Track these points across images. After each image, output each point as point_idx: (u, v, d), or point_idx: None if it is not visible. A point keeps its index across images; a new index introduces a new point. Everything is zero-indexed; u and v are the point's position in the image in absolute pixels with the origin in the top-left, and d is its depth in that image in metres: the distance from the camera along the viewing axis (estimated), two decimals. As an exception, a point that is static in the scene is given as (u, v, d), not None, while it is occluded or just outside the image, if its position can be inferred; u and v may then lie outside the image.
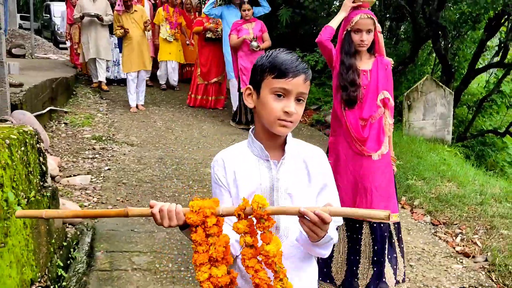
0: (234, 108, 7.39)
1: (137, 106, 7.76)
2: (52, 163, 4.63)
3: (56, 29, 17.30)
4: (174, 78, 9.50)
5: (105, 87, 8.96)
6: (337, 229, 1.51)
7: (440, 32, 7.91)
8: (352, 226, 2.94)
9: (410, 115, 6.89)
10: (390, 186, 2.92)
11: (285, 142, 1.50)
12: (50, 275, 2.76)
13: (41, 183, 2.73)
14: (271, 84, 1.40)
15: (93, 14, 8.31)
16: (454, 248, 3.76)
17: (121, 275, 3.12)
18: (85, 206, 4.12)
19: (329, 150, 3.02)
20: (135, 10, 7.42)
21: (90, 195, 4.38)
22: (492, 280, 3.31)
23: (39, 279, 2.59)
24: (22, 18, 20.91)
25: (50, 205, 2.86)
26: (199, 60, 8.22)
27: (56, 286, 2.78)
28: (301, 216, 1.27)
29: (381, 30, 2.92)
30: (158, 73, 9.52)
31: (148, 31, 7.81)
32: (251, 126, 6.12)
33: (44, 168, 2.77)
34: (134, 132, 6.55)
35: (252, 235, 1.28)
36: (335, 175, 2.19)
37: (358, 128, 2.82)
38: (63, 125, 6.41)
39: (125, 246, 3.51)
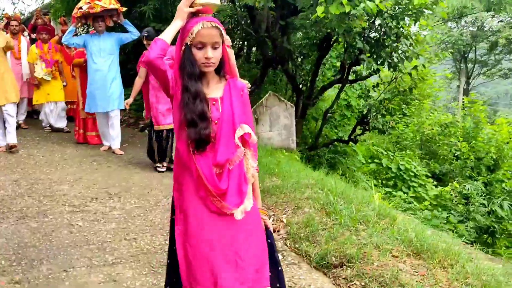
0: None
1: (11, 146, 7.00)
2: None
3: None
4: (59, 120, 8.66)
5: None
6: None
7: (286, 55, 8.90)
8: None
9: (258, 127, 7.68)
10: (262, 252, 2.26)
11: None
12: None
13: None
14: None
15: None
16: (265, 226, 4.43)
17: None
18: None
19: (174, 210, 2.28)
20: None
21: None
22: (287, 246, 4.01)
23: None
24: None
25: None
26: (82, 92, 7.64)
27: None
28: None
29: (230, 44, 2.31)
30: (40, 117, 8.83)
31: (12, 49, 7.32)
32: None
33: None
34: (-8, 160, 6.67)
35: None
36: (184, 246, 2.19)
37: (213, 177, 2.13)
38: None
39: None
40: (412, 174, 10.10)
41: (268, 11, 8.48)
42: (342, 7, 6.20)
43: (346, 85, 9.95)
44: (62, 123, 8.74)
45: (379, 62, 8.25)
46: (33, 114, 9.77)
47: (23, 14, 25.31)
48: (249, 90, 2.34)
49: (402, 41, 8.03)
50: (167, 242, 2.43)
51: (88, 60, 7.13)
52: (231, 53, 2.29)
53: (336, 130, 10.73)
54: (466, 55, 22.90)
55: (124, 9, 7.18)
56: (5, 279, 3.36)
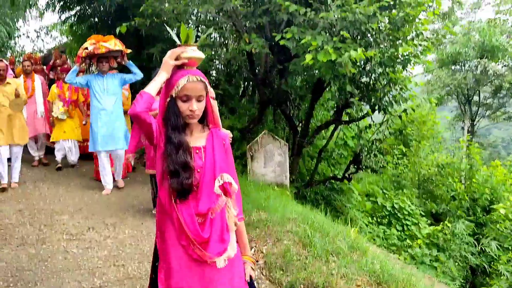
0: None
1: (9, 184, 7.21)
2: None
3: None
4: (72, 158, 8.89)
5: None
6: None
7: (283, 97, 9.37)
8: None
9: (253, 164, 8.07)
10: None
11: None
12: None
13: None
14: None
15: None
16: (246, 257, 4.75)
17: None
18: None
19: (159, 258, 2.33)
20: (8, 83, 7.15)
21: None
22: (263, 275, 4.33)
23: None
24: None
25: None
26: None
27: None
28: None
29: (214, 96, 2.47)
30: (56, 151, 8.94)
31: (17, 96, 7.08)
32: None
33: None
34: None
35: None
36: None
37: (196, 226, 2.17)
38: None
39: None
40: (406, 212, 10.37)
41: (266, 56, 8.99)
42: (329, 55, 6.67)
43: (344, 125, 10.38)
44: (76, 159, 8.98)
45: (370, 105, 8.69)
46: (52, 150, 9.57)
47: (42, 52, 26.36)
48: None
49: (391, 86, 8.47)
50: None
51: (92, 100, 7.25)
52: (214, 104, 2.37)
53: (333, 168, 11.09)
54: (470, 98, 23.26)
55: (129, 51, 7.32)
56: (1, 298, 3.72)
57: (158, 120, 2.23)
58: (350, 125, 10.98)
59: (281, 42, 7.28)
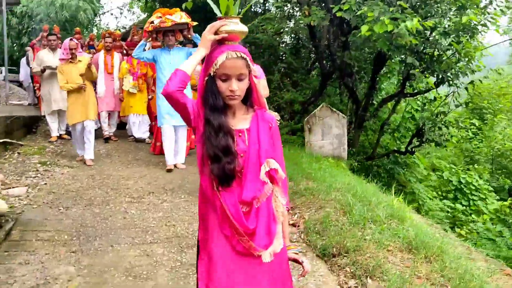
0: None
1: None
2: (-5, 179, 5.91)
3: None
4: (141, 132, 9.20)
5: (66, 136, 9.02)
6: None
7: (346, 69, 9.35)
8: None
9: (310, 136, 8.21)
10: None
11: None
12: (-32, 237, 3.95)
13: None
14: None
15: (54, 66, 8.19)
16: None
17: (26, 243, 4.32)
18: (16, 206, 5.34)
19: (199, 250, 2.15)
20: (79, 60, 7.30)
21: (21, 199, 5.59)
22: (301, 238, 4.54)
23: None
24: (10, 71, 22.07)
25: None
26: None
27: (-27, 246, 3.98)
28: None
29: (258, 74, 2.21)
30: (127, 127, 9.39)
31: (89, 67, 7.19)
32: None
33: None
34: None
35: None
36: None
37: (240, 215, 1.99)
38: (16, 154, 7.67)
39: (36, 227, 4.70)
40: (473, 187, 10.06)
41: (328, 28, 8.99)
42: (385, 26, 6.61)
43: (408, 98, 10.18)
44: (144, 135, 9.33)
45: (436, 77, 8.49)
46: (124, 126, 10.11)
47: (124, 28, 27.61)
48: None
49: (457, 57, 8.21)
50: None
51: (158, 74, 7.23)
52: (259, 83, 2.13)
53: (398, 142, 10.93)
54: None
55: (195, 23, 7.10)
56: (64, 249, 4.22)
57: (197, 101, 2.06)
58: (417, 97, 10.73)
59: (338, 14, 7.29)
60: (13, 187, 6.00)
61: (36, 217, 5.01)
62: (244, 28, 2.02)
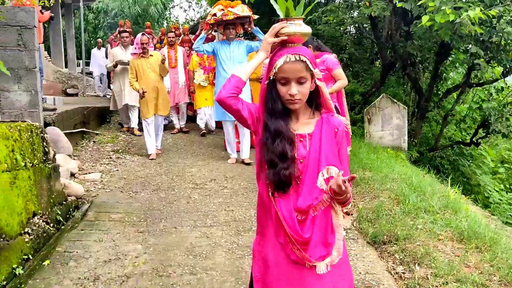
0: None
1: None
2: (74, 165, 6.46)
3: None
4: (212, 124, 9.42)
5: (137, 132, 9.15)
6: None
7: (408, 59, 9.28)
8: None
9: (370, 127, 8.25)
10: None
11: None
12: (50, 216, 4.42)
13: (44, 158, 4.44)
14: None
15: (126, 61, 8.41)
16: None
17: (100, 223, 4.76)
18: (91, 190, 5.84)
19: (254, 256, 2.14)
20: (151, 55, 7.43)
21: (96, 184, 6.10)
22: (353, 226, 4.69)
23: (40, 215, 4.25)
24: (87, 64, 23.05)
25: (52, 174, 4.56)
26: None
27: (54, 224, 4.45)
28: None
29: (321, 77, 2.01)
30: (198, 119, 9.42)
31: (163, 63, 7.44)
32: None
33: (46, 149, 4.49)
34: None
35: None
36: None
37: (294, 223, 1.92)
38: (92, 142, 8.29)
39: (109, 209, 5.15)
40: (544, 181, 9.69)
41: (389, 18, 8.95)
42: (447, 16, 6.55)
43: (474, 87, 9.94)
44: (213, 127, 9.58)
45: (503, 67, 8.27)
46: (193, 119, 10.14)
47: (193, 21, 28.34)
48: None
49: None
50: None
51: (217, 68, 7.17)
52: (324, 86, 2.01)
53: (464, 133, 10.68)
54: None
55: (256, 16, 7.12)
56: (133, 229, 4.62)
57: (259, 104, 2.03)
58: (485, 87, 10.43)
59: (398, 5, 7.28)
60: (89, 173, 6.53)
61: (108, 200, 5.47)
62: (306, 30, 1.95)
